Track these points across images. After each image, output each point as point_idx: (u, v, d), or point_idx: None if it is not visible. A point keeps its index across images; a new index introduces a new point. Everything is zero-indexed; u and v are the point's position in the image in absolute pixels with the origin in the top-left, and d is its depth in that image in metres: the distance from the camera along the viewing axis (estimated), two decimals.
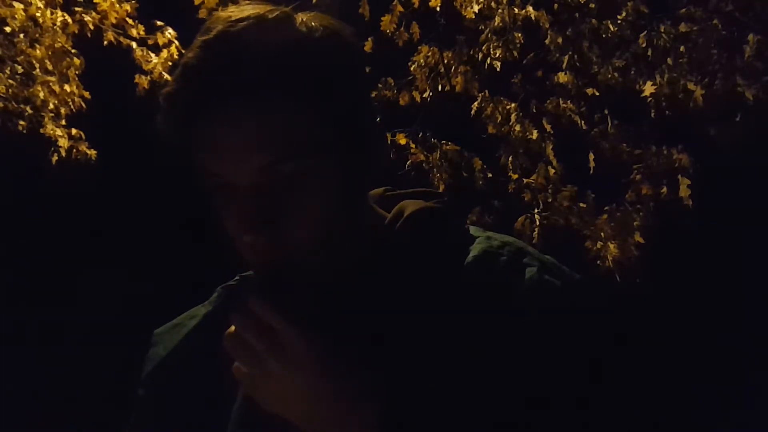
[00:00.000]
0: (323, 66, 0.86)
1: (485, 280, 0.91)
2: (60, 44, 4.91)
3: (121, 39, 5.05)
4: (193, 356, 1.00)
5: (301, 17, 0.88)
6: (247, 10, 0.86)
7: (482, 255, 0.93)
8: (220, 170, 0.86)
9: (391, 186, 1.05)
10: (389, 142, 4.93)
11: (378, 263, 0.93)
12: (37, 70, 4.96)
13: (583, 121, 5.05)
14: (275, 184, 0.85)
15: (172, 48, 5.05)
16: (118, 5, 4.95)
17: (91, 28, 4.99)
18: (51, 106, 4.97)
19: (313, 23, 0.88)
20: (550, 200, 4.98)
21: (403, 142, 5.10)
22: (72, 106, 5.04)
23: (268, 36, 0.84)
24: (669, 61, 4.69)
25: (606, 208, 4.98)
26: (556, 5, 4.94)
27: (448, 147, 5.12)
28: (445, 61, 5.14)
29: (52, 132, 4.99)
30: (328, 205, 0.88)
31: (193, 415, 0.96)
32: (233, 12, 0.86)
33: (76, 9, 5.00)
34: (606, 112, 5.05)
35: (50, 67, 4.97)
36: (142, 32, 5.07)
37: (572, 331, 0.89)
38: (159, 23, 5.07)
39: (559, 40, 4.90)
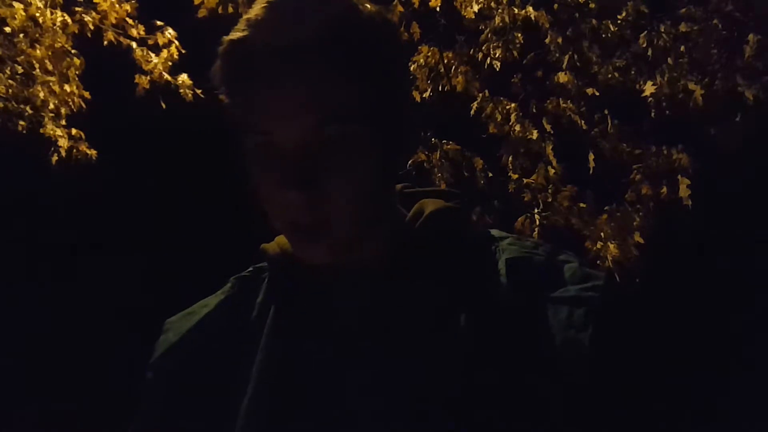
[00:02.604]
0: (377, 39, 0.90)
1: (526, 280, 0.91)
2: (60, 44, 4.91)
3: (121, 39, 5.06)
4: (203, 344, 1.00)
5: None
6: None
7: (520, 256, 0.94)
8: (268, 127, 0.88)
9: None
10: None
11: (396, 260, 0.93)
12: (37, 70, 4.96)
13: (583, 121, 5.04)
14: (319, 145, 0.86)
15: (172, 48, 5.05)
16: (118, 5, 4.96)
17: (91, 28, 4.99)
18: (51, 106, 4.97)
19: (366, 3, 0.91)
20: (550, 200, 4.98)
21: None
22: (72, 106, 5.04)
23: (328, 4, 0.88)
24: (669, 61, 4.69)
25: (606, 208, 4.98)
26: (556, 5, 4.94)
27: (449, 147, 5.12)
28: (445, 61, 5.14)
29: (52, 132, 4.99)
30: (369, 176, 0.89)
31: (200, 402, 0.96)
32: None
33: (76, 9, 5.00)
34: (606, 112, 5.04)
35: (50, 67, 4.97)
36: (142, 32, 5.07)
37: (625, 318, 0.92)
38: (159, 23, 5.07)
39: (559, 40, 4.90)
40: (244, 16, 0.90)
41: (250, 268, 1.05)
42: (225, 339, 0.98)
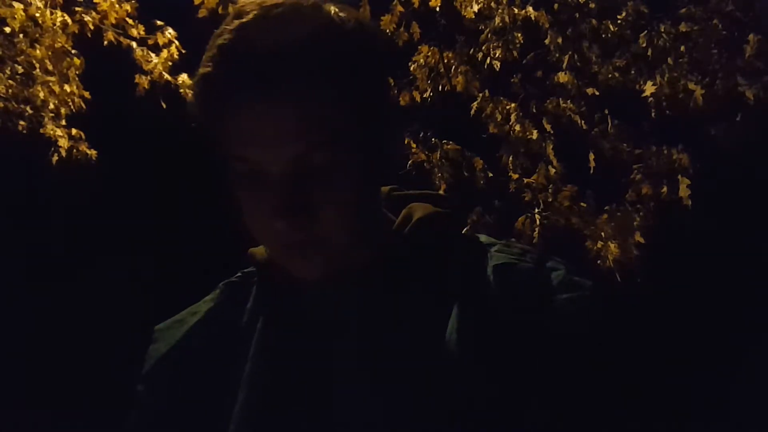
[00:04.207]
0: (357, 56, 0.86)
1: (512, 287, 0.90)
2: (60, 44, 4.91)
3: (121, 39, 5.06)
4: (194, 352, 0.99)
5: (332, 7, 0.87)
6: None
7: (506, 263, 0.92)
8: (252, 156, 0.85)
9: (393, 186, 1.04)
10: None
11: (384, 267, 0.92)
12: (37, 70, 4.96)
13: (583, 121, 5.04)
14: (308, 173, 0.84)
15: (172, 48, 5.05)
16: (118, 5, 4.95)
17: (91, 28, 4.99)
18: (51, 106, 4.98)
19: (342, 14, 0.87)
20: (550, 200, 4.98)
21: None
22: (72, 106, 5.04)
23: (304, 22, 0.84)
24: (669, 61, 4.69)
25: (606, 207, 4.98)
26: (556, 5, 4.94)
27: (449, 147, 5.12)
28: (445, 61, 5.14)
29: (52, 132, 4.99)
30: (358, 195, 0.87)
31: (193, 412, 0.95)
32: None
33: (76, 9, 4.99)
34: (606, 112, 5.04)
35: (50, 67, 4.96)
36: (142, 32, 5.07)
37: (611, 328, 0.90)
38: (159, 23, 5.07)
39: (559, 40, 4.90)
40: (216, 42, 0.85)
41: (239, 273, 1.03)
42: (215, 348, 0.97)
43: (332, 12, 0.86)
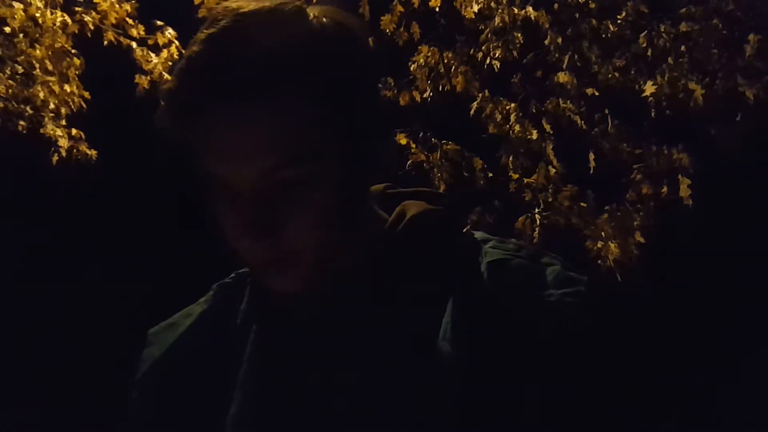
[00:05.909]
0: (335, 66, 0.83)
1: (506, 283, 0.89)
2: (60, 44, 4.92)
3: (121, 39, 5.06)
4: (188, 356, 0.98)
5: (312, 12, 0.84)
6: (258, 2, 0.82)
7: (500, 260, 0.91)
8: (221, 172, 0.83)
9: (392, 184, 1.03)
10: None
11: (377, 266, 0.90)
12: (37, 70, 4.97)
13: (583, 121, 5.04)
14: (277, 188, 0.82)
15: (172, 48, 5.06)
16: (118, 5, 4.96)
17: (91, 28, 5.00)
18: (51, 106, 4.98)
19: (325, 19, 0.84)
20: (550, 200, 4.98)
21: (403, 142, 5.10)
22: (72, 106, 5.05)
23: (278, 33, 0.80)
24: (669, 60, 4.69)
25: (606, 207, 4.98)
26: (556, 5, 4.94)
27: (448, 147, 5.12)
28: (445, 61, 5.14)
29: (52, 132, 5.00)
30: (331, 209, 0.85)
31: (188, 416, 0.94)
32: (242, 3, 0.82)
33: (76, 9, 5.00)
34: (606, 112, 5.04)
35: (50, 67, 4.97)
36: (142, 32, 5.08)
37: (607, 324, 0.90)
38: (159, 23, 5.08)
39: (559, 40, 4.90)
40: (186, 53, 0.82)
41: (233, 275, 1.02)
42: (210, 350, 0.96)
43: (311, 17, 0.83)
